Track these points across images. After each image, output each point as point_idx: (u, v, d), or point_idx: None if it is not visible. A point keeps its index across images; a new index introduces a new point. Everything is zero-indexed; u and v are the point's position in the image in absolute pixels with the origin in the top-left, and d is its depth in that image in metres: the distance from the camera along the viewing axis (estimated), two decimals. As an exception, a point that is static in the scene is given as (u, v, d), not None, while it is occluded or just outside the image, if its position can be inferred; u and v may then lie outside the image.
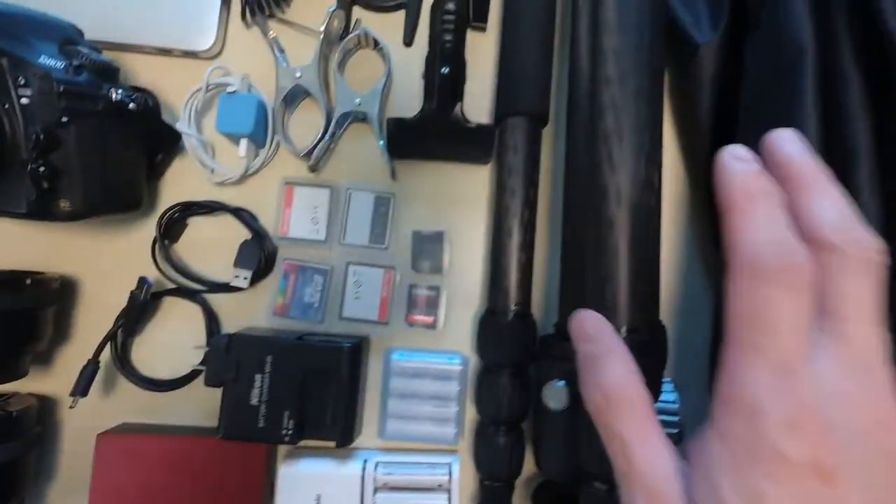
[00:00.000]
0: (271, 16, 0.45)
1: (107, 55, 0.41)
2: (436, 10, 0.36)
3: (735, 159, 0.20)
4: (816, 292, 0.18)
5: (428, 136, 0.42)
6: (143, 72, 0.45)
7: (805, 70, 0.31)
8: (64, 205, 0.35)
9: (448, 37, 0.37)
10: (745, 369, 0.18)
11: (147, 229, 0.43)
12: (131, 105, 0.36)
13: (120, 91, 0.36)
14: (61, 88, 0.33)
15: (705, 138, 0.41)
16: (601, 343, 0.23)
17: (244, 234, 0.43)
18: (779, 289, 0.17)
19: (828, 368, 0.17)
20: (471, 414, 0.42)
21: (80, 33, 0.39)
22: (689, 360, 0.39)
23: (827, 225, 0.18)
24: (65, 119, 0.33)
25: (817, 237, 0.18)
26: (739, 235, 0.18)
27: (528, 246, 0.40)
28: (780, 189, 0.19)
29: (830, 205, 0.19)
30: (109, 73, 0.36)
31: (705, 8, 0.39)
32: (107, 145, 0.36)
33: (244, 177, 0.43)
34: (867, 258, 0.18)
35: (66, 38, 0.36)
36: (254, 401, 0.36)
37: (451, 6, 0.36)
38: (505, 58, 0.41)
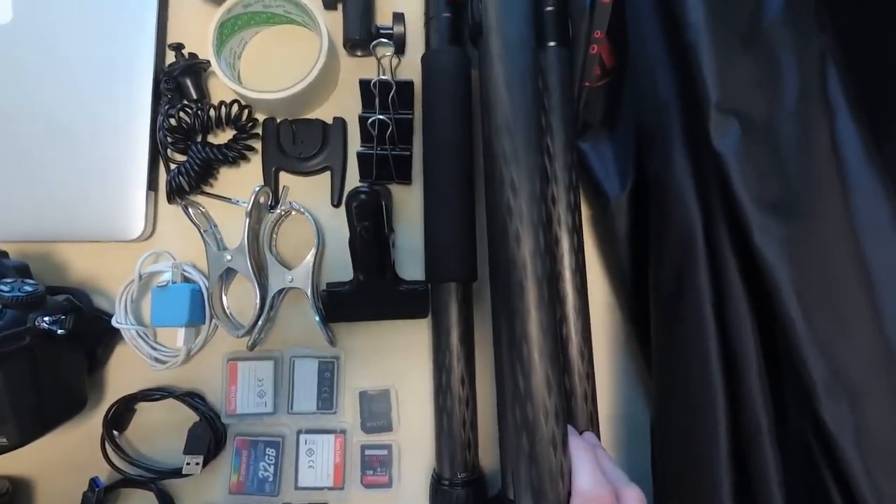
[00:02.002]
0: (200, 193, 0.45)
1: (38, 248, 0.42)
2: (349, 204, 0.37)
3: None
4: None
5: (362, 302, 0.43)
6: (77, 260, 0.45)
7: (697, 256, 0.32)
8: (1, 441, 0.35)
9: (366, 222, 0.38)
10: None
11: (95, 421, 0.43)
12: (59, 331, 0.36)
13: (46, 319, 0.36)
14: (-17, 338, 0.33)
15: (627, 279, 0.43)
16: None
17: (193, 414, 0.43)
18: None
19: None
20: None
21: (3, 254, 0.39)
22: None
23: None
24: (-8, 365, 0.34)
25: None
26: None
27: (469, 401, 0.41)
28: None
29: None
30: (35, 302, 0.37)
31: (613, 165, 0.41)
32: (39, 373, 0.36)
33: (187, 358, 0.44)
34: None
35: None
36: None
37: (363, 197, 0.37)
38: (429, 226, 0.42)
